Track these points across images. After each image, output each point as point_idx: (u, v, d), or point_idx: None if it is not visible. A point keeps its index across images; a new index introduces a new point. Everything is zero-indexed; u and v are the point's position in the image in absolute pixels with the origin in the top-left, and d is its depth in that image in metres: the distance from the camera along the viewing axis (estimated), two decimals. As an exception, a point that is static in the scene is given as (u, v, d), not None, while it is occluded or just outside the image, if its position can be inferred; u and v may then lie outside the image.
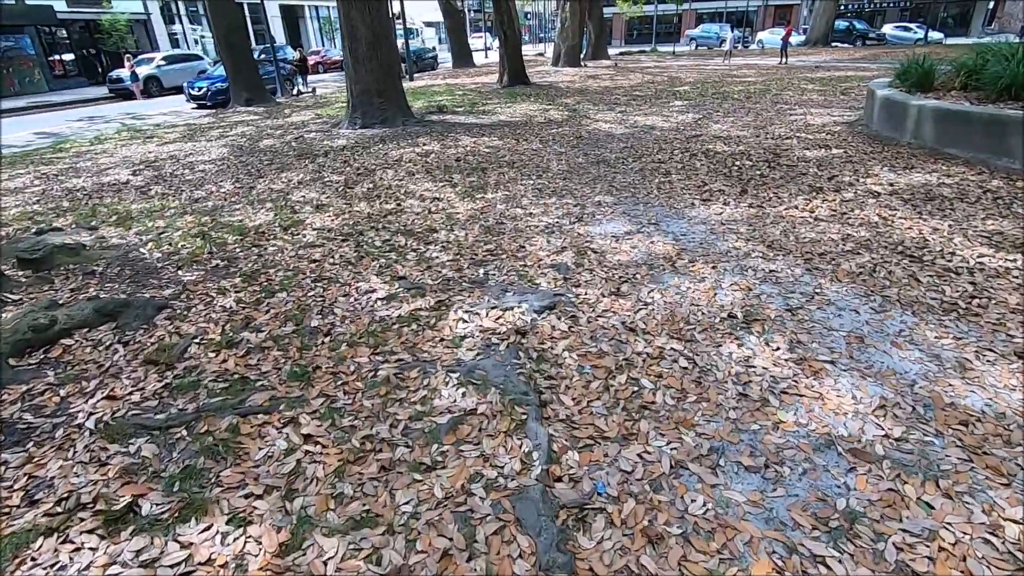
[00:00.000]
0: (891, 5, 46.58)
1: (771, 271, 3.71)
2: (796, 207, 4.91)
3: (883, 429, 2.27)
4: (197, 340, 2.92)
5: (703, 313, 3.22)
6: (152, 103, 20.64)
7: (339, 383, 2.59)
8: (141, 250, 4.29)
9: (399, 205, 5.49)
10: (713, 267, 3.81)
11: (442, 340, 2.99)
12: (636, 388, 2.57)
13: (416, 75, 24.92)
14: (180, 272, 3.84)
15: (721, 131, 8.50)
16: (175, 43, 34.56)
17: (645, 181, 6.01)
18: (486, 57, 34.32)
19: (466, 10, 61.08)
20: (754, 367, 2.71)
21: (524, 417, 2.35)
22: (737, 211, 4.91)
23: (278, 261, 4.08)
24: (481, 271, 3.88)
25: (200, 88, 18.30)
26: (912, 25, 37.24)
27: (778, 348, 2.85)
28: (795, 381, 2.59)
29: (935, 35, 34.46)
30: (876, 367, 2.68)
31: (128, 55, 24.83)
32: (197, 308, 3.30)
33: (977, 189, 5.07)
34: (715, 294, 3.44)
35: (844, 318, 3.13)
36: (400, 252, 4.25)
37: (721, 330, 3.04)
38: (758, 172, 6.07)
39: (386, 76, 9.62)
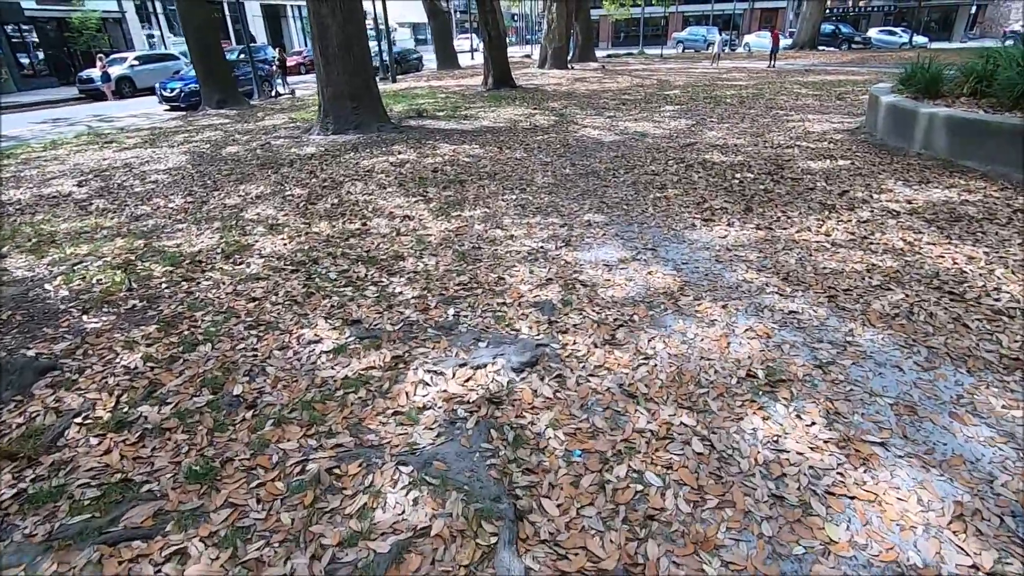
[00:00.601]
0: (875, 10, 46.84)
1: (791, 312, 3.16)
2: (809, 229, 4.38)
3: (967, 554, 1.72)
4: (79, 419, 2.29)
5: (716, 371, 2.66)
6: (124, 104, 19.77)
7: (253, 485, 1.99)
8: (46, 286, 3.64)
9: (364, 225, 4.88)
10: (723, 307, 3.25)
11: (396, 413, 2.39)
12: (640, 487, 2.00)
13: (401, 76, 24.28)
14: (85, 317, 3.20)
15: (717, 139, 7.99)
16: (152, 43, 33.54)
17: (639, 196, 5.46)
18: (472, 59, 33.70)
19: (452, 11, 60.56)
20: (786, 452, 2.15)
21: (494, 540, 1.76)
22: (743, 233, 4.37)
23: (210, 300, 3.45)
24: (451, 311, 3.29)
25: (173, 89, 17.52)
26: (897, 29, 37.34)
27: (813, 423, 2.29)
28: (841, 474, 2.04)
29: (920, 39, 34.53)
30: (938, 451, 2.14)
31: (100, 55, 23.87)
32: (92, 369, 2.66)
33: (1005, 208, 4.58)
34: (728, 344, 2.88)
35: (887, 377, 2.58)
36: (358, 287, 3.64)
37: (740, 395, 2.48)
38: (761, 187, 5.55)
39: (360, 78, 8.99)
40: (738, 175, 6.01)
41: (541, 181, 6.15)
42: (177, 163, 7.92)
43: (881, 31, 37.21)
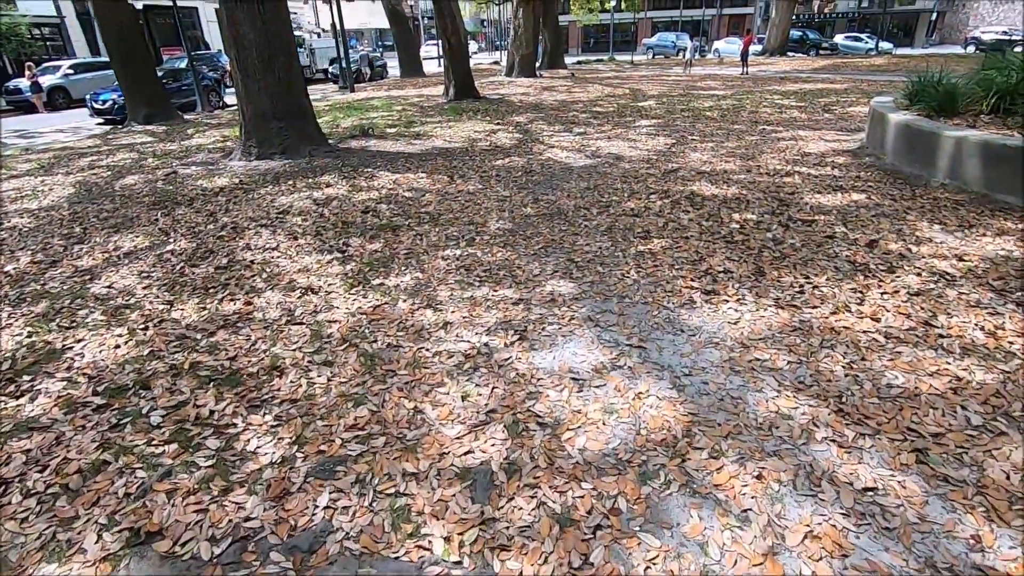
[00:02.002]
0: (840, 16, 47.25)
1: (866, 490, 1.99)
2: (847, 307, 3.25)
3: None
4: None
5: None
6: (54, 117, 18.02)
7: None
8: None
9: (248, 305, 3.57)
10: (758, 477, 2.06)
11: None
12: None
13: (363, 85, 22.89)
14: None
15: (703, 163, 6.90)
16: (96, 50, 31.34)
17: (616, 250, 4.28)
18: (439, 66, 32.44)
19: (419, 17, 59.20)
20: None
21: None
22: (761, 316, 3.21)
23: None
24: (321, 505, 2.02)
25: (105, 101, 15.87)
26: (862, 35, 37.48)
27: None
28: None
29: (885, 45, 34.60)
30: None
31: (29, 63, 21.87)
32: None
33: (1089, 269, 3.54)
34: (782, 571, 1.69)
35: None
36: (189, 441, 2.34)
37: None
38: (768, 234, 4.42)
39: (286, 94, 7.65)
40: (736, 215, 4.89)
41: (495, 227, 4.92)
42: (56, 199, 6.47)
43: (847, 37, 37.28)
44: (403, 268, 4.08)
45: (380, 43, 53.89)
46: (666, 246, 4.29)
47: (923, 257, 3.87)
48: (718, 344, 2.95)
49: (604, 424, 2.38)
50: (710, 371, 2.72)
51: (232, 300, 3.63)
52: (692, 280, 3.69)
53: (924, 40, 45.50)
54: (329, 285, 3.83)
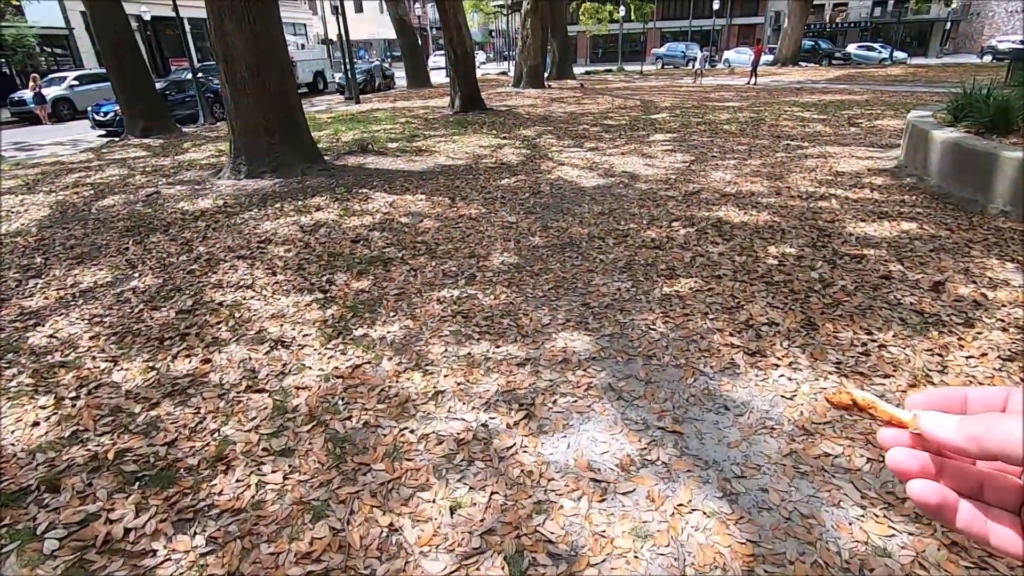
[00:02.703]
0: (852, 25, 46.62)
1: None
2: (929, 377, 2.65)
3: None
4: None
5: None
6: (59, 129, 17.80)
7: None
8: None
9: (206, 363, 3.03)
10: (859, 663, 1.47)
11: None
12: None
13: (368, 96, 22.55)
14: None
15: (726, 183, 6.33)
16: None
17: (639, 291, 3.71)
18: (447, 76, 32.16)
19: (427, 27, 59.21)
20: None
21: None
22: (822, 390, 2.61)
23: None
24: None
25: (107, 113, 15.56)
26: (875, 45, 36.84)
27: None
28: None
29: (899, 55, 34.01)
30: None
31: (34, 74, 21.70)
32: None
33: None
34: None
35: None
36: None
37: None
38: (813, 273, 3.83)
39: (279, 108, 7.17)
40: (772, 248, 4.31)
41: (499, 260, 4.37)
42: (27, 223, 6.00)
43: (860, 47, 36.66)
44: (392, 313, 3.53)
45: (388, 53, 53.85)
46: (696, 287, 3.71)
47: (1003, 305, 3.27)
48: (773, 429, 2.36)
49: (637, 557, 1.80)
50: (768, 471, 2.14)
51: (188, 356, 3.09)
52: (731, 335, 3.11)
53: (938, 49, 44.80)
54: (304, 336, 3.28)
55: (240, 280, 4.13)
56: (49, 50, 29.31)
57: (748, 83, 21.01)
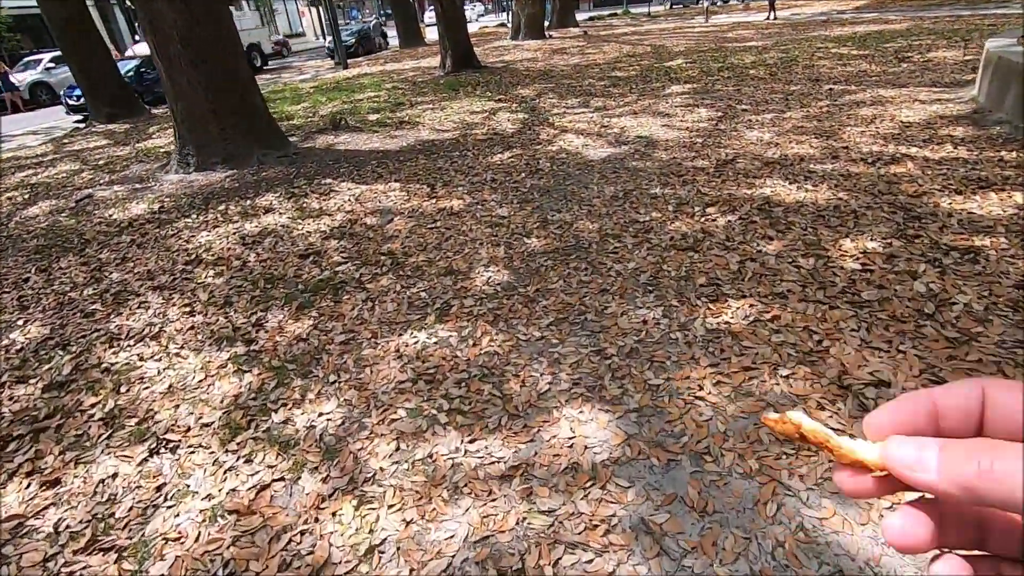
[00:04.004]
0: (876, -54, 42.85)
1: None
2: None
3: None
4: None
5: None
6: (33, 116, 16.80)
7: None
8: None
9: (48, 491, 2.09)
10: None
11: None
12: None
13: (357, 60, 21.02)
14: None
15: (766, 146, 5.13)
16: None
17: (673, 325, 2.66)
18: (438, 34, 30.19)
19: (420, -19, 56.01)
20: None
21: None
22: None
23: None
24: None
25: (80, 97, 14.47)
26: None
27: None
28: None
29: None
30: None
31: (2, 58, 20.51)
32: None
33: None
34: None
35: None
36: None
37: None
38: (919, 285, 2.73)
39: (227, 87, 6.03)
40: (848, 243, 3.20)
41: (484, 277, 3.33)
42: (-65, 245, 5.06)
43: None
44: (331, 378, 2.54)
45: (382, 12, 51.20)
46: (752, 315, 2.65)
47: None
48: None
49: None
50: None
51: (29, 475, 2.15)
52: (820, 405, 2.07)
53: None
54: (202, 426, 2.31)
55: (146, 326, 3.16)
56: (22, 34, 27.88)
57: (768, 18, 19.08)
